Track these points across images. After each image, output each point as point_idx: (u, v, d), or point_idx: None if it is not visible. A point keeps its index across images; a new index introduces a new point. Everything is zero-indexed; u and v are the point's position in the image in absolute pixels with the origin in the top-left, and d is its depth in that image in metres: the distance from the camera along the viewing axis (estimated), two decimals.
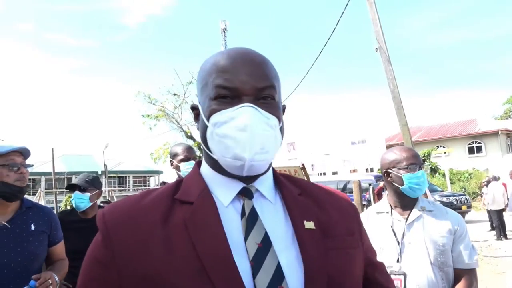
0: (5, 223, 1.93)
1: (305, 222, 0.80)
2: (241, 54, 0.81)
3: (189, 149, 2.97)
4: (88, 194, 2.79)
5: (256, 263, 0.72)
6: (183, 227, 0.73)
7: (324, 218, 0.83)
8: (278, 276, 0.71)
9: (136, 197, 0.81)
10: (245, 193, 0.80)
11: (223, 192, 0.80)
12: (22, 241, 1.92)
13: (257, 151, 0.75)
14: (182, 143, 3.13)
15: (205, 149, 0.82)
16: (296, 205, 0.83)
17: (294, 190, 0.87)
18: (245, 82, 0.77)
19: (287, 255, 0.75)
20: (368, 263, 0.91)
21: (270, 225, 0.77)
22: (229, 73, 0.78)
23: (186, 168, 2.76)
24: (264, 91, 0.79)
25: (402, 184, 1.89)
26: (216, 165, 0.82)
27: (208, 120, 0.79)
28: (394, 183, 1.93)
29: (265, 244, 0.74)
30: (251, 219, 0.77)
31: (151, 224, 0.74)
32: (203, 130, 0.81)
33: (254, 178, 0.82)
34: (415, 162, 1.90)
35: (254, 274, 0.70)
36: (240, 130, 0.75)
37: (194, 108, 0.88)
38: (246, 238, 0.74)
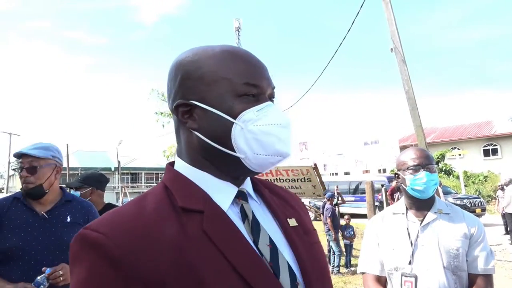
0: (44, 213, 2.11)
1: (288, 220, 0.83)
2: (249, 54, 0.83)
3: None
4: (78, 193, 2.92)
5: (274, 264, 0.73)
6: (205, 238, 0.69)
7: (297, 215, 0.87)
8: (292, 274, 0.73)
9: (131, 212, 0.71)
10: (241, 196, 0.80)
11: (221, 196, 0.77)
12: (57, 231, 2.08)
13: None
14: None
15: (222, 148, 0.77)
16: (275, 204, 0.85)
17: (266, 190, 0.89)
18: (266, 81, 0.81)
19: (287, 253, 0.77)
20: None
21: (266, 226, 0.79)
22: (253, 72, 0.79)
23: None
24: (274, 91, 0.84)
25: (407, 186, 1.91)
26: (214, 165, 0.79)
27: (234, 118, 0.76)
28: (402, 185, 1.94)
29: (273, 245, 0.75)
30: (254, 221, 0.77)
31: (174, 241, 0.67)
32: (223, 129, 0.76)
33: (243, 180, 0.82)
34: (419, 163, 1.87)
35: (277, 275, 0.71)
36: (283, 127, 0.78)
37: (183, 105, 0.80)
38: (256, 242, 0.74)
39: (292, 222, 0.83)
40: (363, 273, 1.98)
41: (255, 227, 0.76)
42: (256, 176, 0.89)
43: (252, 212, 0.79)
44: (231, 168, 0.79)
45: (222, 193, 0.78)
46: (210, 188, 0.78)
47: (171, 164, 0.85)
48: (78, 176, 3.09)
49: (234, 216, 0.77)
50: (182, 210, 0.72)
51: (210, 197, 0.77)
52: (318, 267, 0.80)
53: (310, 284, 0.75)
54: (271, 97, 0.82)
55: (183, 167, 0.81)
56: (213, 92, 0.77)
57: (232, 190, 0.79)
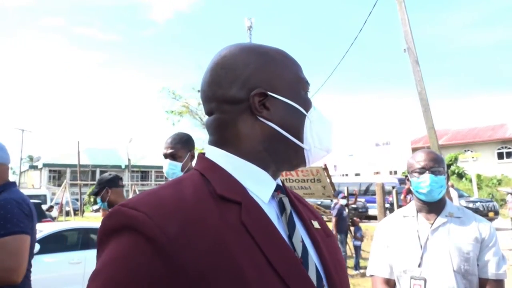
0: None
1: (312, 221, 0.84)
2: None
3: (179, 142, 2.56)
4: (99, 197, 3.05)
5: (304, 261, 0.72)
6: (243, 230, 0.67)
7: (318, 220, 0.88)
8: (318, 274, 0.73)
9: (171, 194, 0.68)
10: (280, 190, 0.80)
11: (261, 188, 0.76)
12: None
13: None
14: (177, 133, 2.68)
15: (293, 138, 0.79)
16: (300, 205, 0.86)
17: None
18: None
19: (312, 252, 0.76)
20: None
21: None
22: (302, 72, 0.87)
23: (169, 169, 2.49)
24: None
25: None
26: (263, 159, 0.78)
27: (306, 111, 0.82)
28: (411, 187, 1.94)
29: (303, 242, 0.75)
30: (291, 216, 0.77)
31: (216, 228, 0.64)
32: (297, 120, 0.80)
33: (278, 176, 0.83)
34: (424, 166, 1.86)
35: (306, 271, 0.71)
36: (332, 125, 0.87)
37: (259, 95, 0.78)
38: (291, 236, 0.73)
39: (316, 224, 0.84)
40: (371, 275, 1.96)
41: (291, 221, 0.76)
42: None
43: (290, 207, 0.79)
44: (289, 158, 0.81)
45: (263, 185, 0.77)
46: (251, 179, 0.76)
47: (203, 154, 0.83)
48: (100, 180, 3.20)
49: (272, 209, 0.76)
50: (220, 199, 0.70)
51: (247, 189, 0.75)
52: (342, 271, 0.81)
53: (334, 285, 0.75)
54: None
55: (222, 156, 0.78)
56: (288, 86, 0.81)
57: (271, 182, 0.79)
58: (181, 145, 2.53)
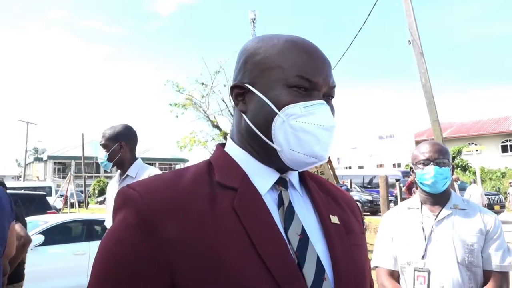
0: None
1: (330, 216, 0.81)
2: (314, 48, 0.81)
3: (112, 134, 2.69)
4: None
5: (301, 254, 0.72)
6: (233, 214, 0.70)
7: (343, 214, 0.85)
8: (320, 268, 0.72)
9: (169, 178, 0.75)
10: (282, 183, 0.80)
11: (261, 180, 0.78)
12: None
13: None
14: (116, 125, 2.79)
15: (261, 135, 0.77)
16: (320, 199, 0.84)
17: (314, 184, 0.87)
18: (324, 78, 0.78)
19: (320, 248, 0.75)
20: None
21: (302, 217, 0.77)
22: (311, 65, 0.77)
23: (99, 158, 2.70)
24: (332, 90, 0.81)
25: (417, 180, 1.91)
26: (255, 151, 0.80)
27: (278, 108, 0.75)
28: (416, 179, 1.94)
29: (304, 236, 0.74)
30: (289, 209, 0.76)
31: (200, 211, 0.69)
32: (266, 116, 0.76)
33: (287, 170, 0.82)
34: (428, 157, 1.86)
35: (301, 265, 0.70)
36: (325, 129, 0.75)
37: (238, 87, 0.81)
38: (287, 229, 0.73)
39: (334, 219, 0.81)
40: (376, 267, 1.96)
41: (288, 215, 0.75)
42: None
43: (289, 200, 0.78)
44: (269, 157, 0.79)
45: (262, 176, 0.78)
46: (252, 170, 0.78)
47: (222, 144, 0.86)
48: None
49: (271, 201, 0.76)
50: (218, 185, 0.74)
51: (249, 178, 0.77)
52: (355, 269, 0.78)
53: (341, 282, 0.73)
54: (328, 95, 0.80)
55: (231, 147, 0.83)
56: (264, 79, 0.78)
57: (274, 175, 0.79)
58: (108, 136, 2.72)
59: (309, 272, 0.70)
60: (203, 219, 0.68)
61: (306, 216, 0.79)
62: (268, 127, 0.76)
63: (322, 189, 0.88)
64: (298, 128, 0.74)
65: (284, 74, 0.76)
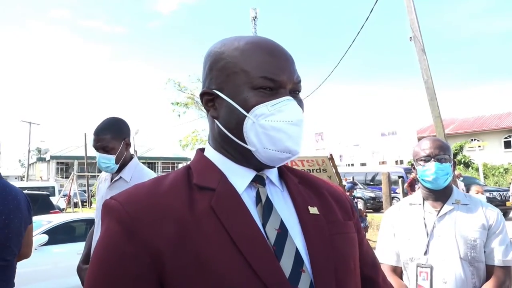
0: None
1: (309, 207, 0.83)
2: (274, 46, 0.83)
3: (109, 132, 2.22)
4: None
5: (278, 248, 0.74)
6: (211, 214, 0.73)
7: (325, 204, 0.87)
8: (298, 260, 0.74)
9: (149, 186, 0.78)
10: (259, 181, 0.82)
11: (238, 179, 0.81)
12: None
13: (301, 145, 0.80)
14: (106, 119, 2.33)
15: (235, 139, 0.80)
16: (298, 192, 0.86)
17: (294, 178, 0.90)
18: (288, 75, 0.80)
19: (300, 240, 0.78)
20: (372, 265, 0.94)
21: (282, 212, 0.80)
22: (273, 65, 0.79)
23: (101, 163, 2.19)
24: (298, 85, 0.83)
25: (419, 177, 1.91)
26: (230, 153, 0.83)
27: (247, 110, 0.78)
28: (417, 176, 1.94)
29: (283, 230, 0.77)
30: (267, 205, 0.79)
31: (179, 213, 0.72)
32: (236, 120, 0.79)
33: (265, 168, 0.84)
34: (429, 154, 1.86)
35: (278, 258, 0.73)
36: (294, 125, 0.78)
37: (207, 94, 0.84)
38: (264, 224, 0.76)
39: (313, 210, 0.83)
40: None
41: (266, 211, 0.78)
42: (287, 165, 0.90)
43: (267, 196, 0.80)
44: (245, 158, 0.81)
45: (239, 176, 0.81)
46: (229, 172, 0.81)
47: (202, 149, 0.89)
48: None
49: (248, 198, 0.79)
50: (196, 188, 0.77)
51: (227, 178, 0.80)
52: (336, 257, 0.79)
53: (320, 272, 0.75)
54: (294, 91, 0.82)
55: (209, 151, 0.86)
56: (231, 83, 0.80)
57: (250, 174, 0.82)
58: (111, 135, 2.24)
59: (286, 265, 0.73)
60: (183, 221, 0.71)
61: (285, 210, 0.81)
62: (240, 130, 0.79)
63: (303, 182, 0.90)
64: (268, 127, 0.77)
65: (249, 77, 0.78)
